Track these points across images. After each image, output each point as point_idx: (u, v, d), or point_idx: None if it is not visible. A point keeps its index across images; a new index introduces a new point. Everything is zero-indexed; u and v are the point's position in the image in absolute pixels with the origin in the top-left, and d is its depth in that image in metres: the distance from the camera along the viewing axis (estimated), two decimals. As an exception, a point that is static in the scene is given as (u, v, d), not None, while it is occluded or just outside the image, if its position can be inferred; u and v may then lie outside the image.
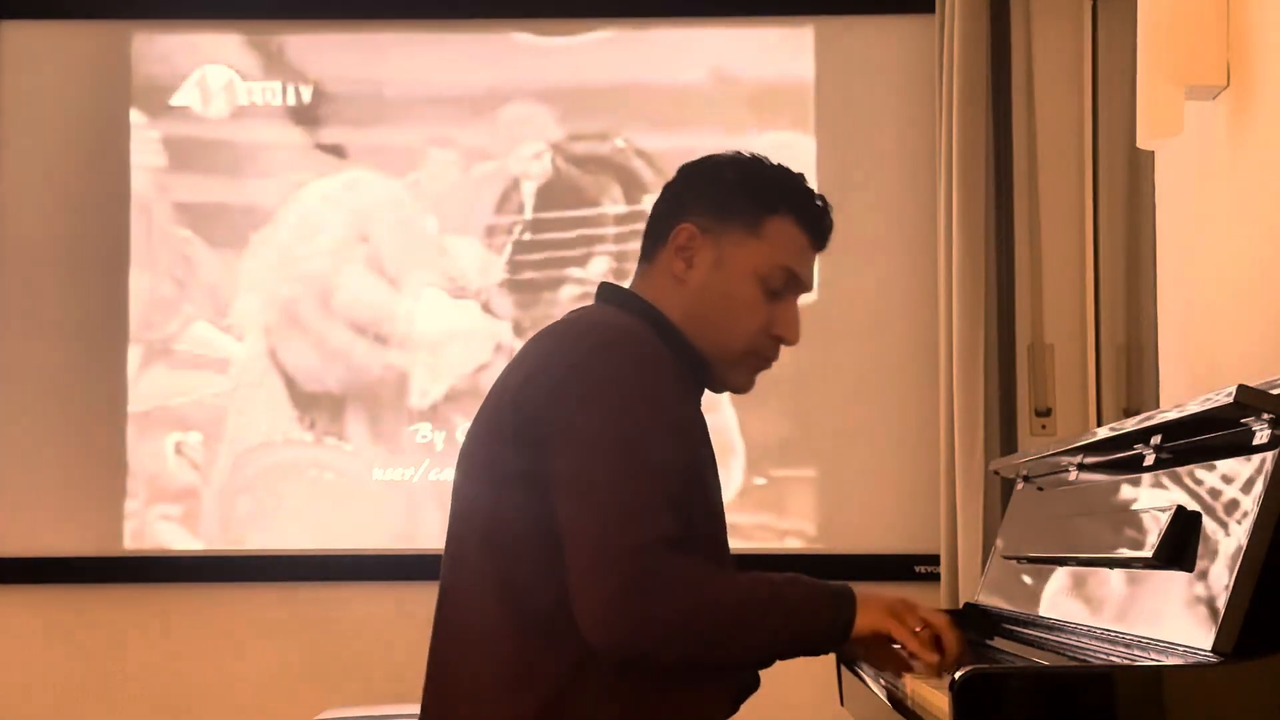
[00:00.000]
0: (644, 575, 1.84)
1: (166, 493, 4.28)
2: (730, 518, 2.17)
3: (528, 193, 4.31)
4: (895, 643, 1.98)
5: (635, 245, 2.29)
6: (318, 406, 4.30)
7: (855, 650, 2.07)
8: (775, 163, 2.16)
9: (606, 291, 2.17)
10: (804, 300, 2.16)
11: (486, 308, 4.28)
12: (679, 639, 1.88)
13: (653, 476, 1.90)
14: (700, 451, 2.04)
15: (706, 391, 2.16)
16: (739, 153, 2.17)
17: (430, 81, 4.36)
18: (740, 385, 2.15)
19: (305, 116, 4.36)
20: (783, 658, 2.00)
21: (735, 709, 2.08)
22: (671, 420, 1.97)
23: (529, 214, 4.30)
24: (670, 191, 2.17)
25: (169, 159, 4.35)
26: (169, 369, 4.31)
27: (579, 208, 4.25)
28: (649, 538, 1.86)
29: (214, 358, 4.31)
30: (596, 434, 1.91)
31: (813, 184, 2.19)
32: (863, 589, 1.98)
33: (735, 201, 2.09)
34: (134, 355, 4.31)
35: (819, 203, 2.14)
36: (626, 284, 2.18)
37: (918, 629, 1.96)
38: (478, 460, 2.05)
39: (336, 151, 4.35)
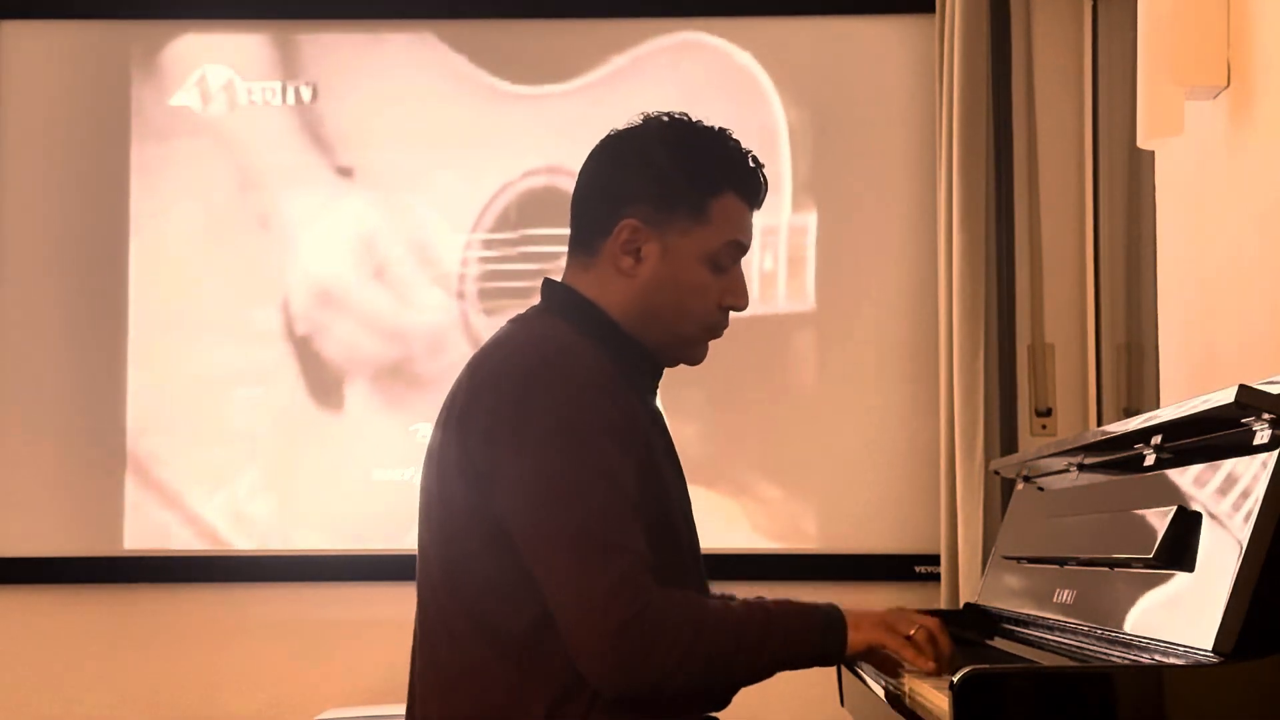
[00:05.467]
0: (637, 616, 1.84)
1: (167, 493, 4.29)
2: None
3: (522, 206, 4.30)
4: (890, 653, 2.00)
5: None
6: (318, 407, 4.30)
7: (855, 660, 2.08)
8: (703, 127, 2.10)
9: (548, 291, 2.13)
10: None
11: (485, 311, 4.29)
12: (677, 674, 1.88)
13: (611, 499, 1.88)
14: (656, 459, 2.02)
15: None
16: (663, 122, 2.10)
17: (427, 86, 4.36)
18: (696, 358, 2.14)
19: (306, 116, 4.35)
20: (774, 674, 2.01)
21: (725, 703, 2.09)
22: (618, 436, 1.93)
23: (522, 228, 4.30)
24: (601, 174, 2.11)
25: (169, 159, 4.35)
26: (170, 370, 4.31)
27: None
28: (626, 568, 1.85)
29: (214, 358, 4.31)
30: (544, 463, 1.89)
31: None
32: (851, 606, 2.00)
33: (676, 189, 2.05)
34: (134, 356, 4.31)
35: (752, 164, 2.10)
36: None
37: (911, 632, 1.97)
38: (433, 481, 2.04)
39: (337, 152, 4.35)
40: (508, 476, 1.91)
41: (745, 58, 4.33)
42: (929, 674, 1.96)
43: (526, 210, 4.31)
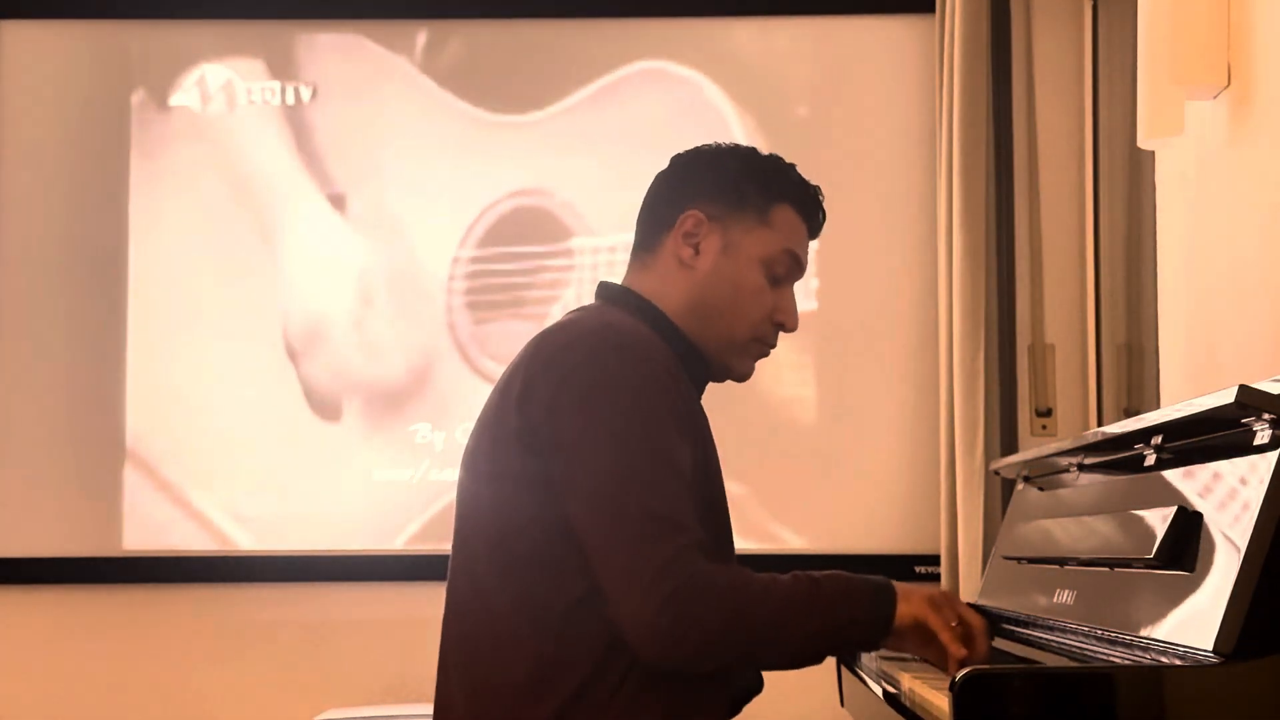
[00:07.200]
0: (685, 585, 1.84)
1: (167, 493, 4.29)
2: (730, 517, 2.17)
3: (518, 217, 4.30)
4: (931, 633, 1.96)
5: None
6: (318, 408, 4.30)
7: (896, 643, 2.04)
8: (768, 153, 2.20)
9: (605, 290, 2.18)
10: (805, 303, 2.18)
11: (479, 317, 4.29)
12: (724, 645, 1.88)
13: (670, 477, 1.90)
14: (707, 448, 2.05)
15: (708, 395, 2.16)
16: (734, 144, 2.20)
17: (422, 91, 4.36)
18: (743, 372, 2.18)
19: (304, 117, 4.35)
20: (828, 655, 2.00)
21: (737, 710, 2.08)
22: (678, 417, 1.97)
23: (518, 241, 4.29)
24: (668, 181, 2.18)
25: (168, 159, 4.35)
26: (171, 371, 4.31)
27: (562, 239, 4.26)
28: (682, 544, 1.86)
29: (214, 358, 4.31)
30: (607, 436, 1.91)
31: (814, 183, 2.22)
32: (902, 584, 1.98)
33: (743, 189, 2.13)
34: (134, 356, 4.31)
35: (813, 191, 2.20)
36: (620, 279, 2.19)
37: (953, 624, 1.96)
38: (482, 462, 2.04)
39: (334, 157, 4.35)
40: (571, 443, 1.92)
41: (743, 58, 4.33)
42: (956, 661, 1.92)
43: (524, 221, 4.29)
